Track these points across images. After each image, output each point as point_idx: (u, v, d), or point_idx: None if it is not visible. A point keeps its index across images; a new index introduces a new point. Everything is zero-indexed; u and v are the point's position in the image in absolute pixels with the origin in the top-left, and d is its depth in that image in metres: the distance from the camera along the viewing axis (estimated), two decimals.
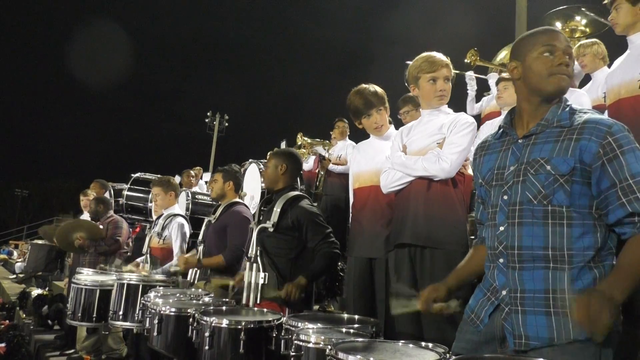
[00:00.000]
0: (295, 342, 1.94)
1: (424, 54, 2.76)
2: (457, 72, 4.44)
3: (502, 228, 1.64)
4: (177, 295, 3.10)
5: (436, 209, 2.53)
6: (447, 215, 2.51)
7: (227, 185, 4.00)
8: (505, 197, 1.65)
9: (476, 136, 2.74)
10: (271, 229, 3.01)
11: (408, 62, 2.84)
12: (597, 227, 1.57)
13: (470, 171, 2.62)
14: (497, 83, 4.29)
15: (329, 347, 1.70)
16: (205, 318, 2.33)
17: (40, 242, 9.72)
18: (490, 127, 3.94)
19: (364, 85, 3.09)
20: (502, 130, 1.79)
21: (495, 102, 4.23)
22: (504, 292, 1.62)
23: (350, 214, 3.19)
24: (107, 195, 6.63)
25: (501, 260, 1.64)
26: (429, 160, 2.56)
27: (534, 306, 1.55)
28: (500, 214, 1.66)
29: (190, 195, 5.84)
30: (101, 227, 5.58)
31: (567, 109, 1.66)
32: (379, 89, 3.06)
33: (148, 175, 7.17)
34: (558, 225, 1.55)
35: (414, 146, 2.71)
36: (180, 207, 5.78)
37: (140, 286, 3.46)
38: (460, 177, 2.61)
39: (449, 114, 2.72)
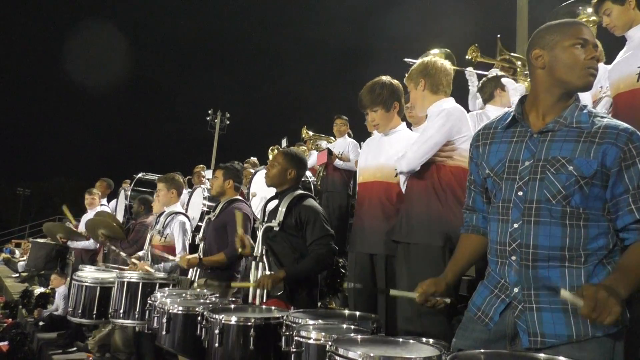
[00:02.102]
0: (296, 338, 1.94)
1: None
2: (457, 68, 4.43)
3: (516, 225, 1.61)
4: (183, 294, 3.11)
5: (414, 205, 2.65)
6: (422, 210, 2.60)
7: (227, 183, 3.98)
8: (520, 194, 1.62)
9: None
10: (277, 228, 3.01)
11: (406, 59, 2.86)
12: (610, 229, 1.58)
13: (453, 161, 2.63)
14: (483, 88, 4.16)
15: (329, 343, 1.70)
16: (214, 316, 2.34)
17: (40, 240, 9.71)
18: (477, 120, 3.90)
19: (374, 80, 3.08)
20: (511, 119, 1.74)
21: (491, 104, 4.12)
22: (516, 290, 1.60)
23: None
24: (126, 193, 6.64)
25: (514, 257, 1.61)
26: (399, 157, 2.69)
27: (550, 303, 1.54)
28: (515, 210, 1.62)
29: (207, 191, 5.85)
30: (130, 227, 5.57)
31: (585, 110, 1.63)
32: (379, 88, 3.02)
33: (150, 176, 7.14)
34: (575, 227, 1.55)
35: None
36: (197, 203, 5.78)
37: (141, 284, 3.46)
38: (434, 167, 2.64)
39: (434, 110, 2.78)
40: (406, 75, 2.90)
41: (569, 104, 1.65)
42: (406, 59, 4.25)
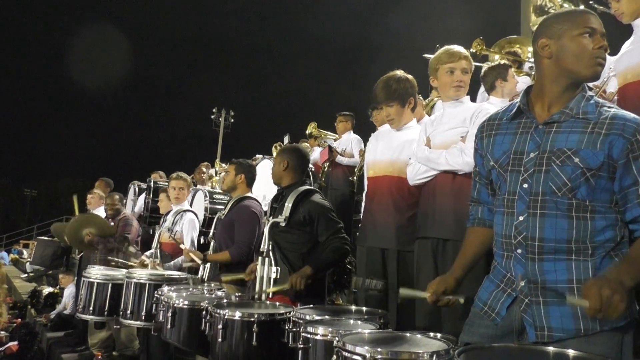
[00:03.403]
0: (303, 334, 1.94)
1: (446, 46, 2.78)
2: None
3: (521, 218, 1.59)
4: (190, 289, 3.12)
5: (462, 202, 2.54)
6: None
7: (239, 178, 3.92)
8: (526, 186, 1.59)
9: None
10: (283, 224, 3.02)
11: (426, 55, 2.86)
12: (618, 221, 1.55)
13: None
14: (486, 77, 4.10)
15: (337, 338, 1.70)
16: (218, 310, 2.35)
17: (46, 238, 9.76)
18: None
19: (389, 74, 3.06)
20: (516, 110, 1.71)
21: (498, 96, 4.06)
22: (522, 283, 1.58)
23: (363, 203, 3.20)
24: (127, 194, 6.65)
25: (519, 250, 1.59)
26: (453, 154, 2.60)
27: (557, 297, 1.51)
28: (520, 203, 1.60)
29: (208, 195, 5.78)
30: (112, 224, 5.59)
31: (592, 100, 1.60)
32: (395, 83, 2.99)
33: (160, 182, 7.05)
34: (582, 219, 1.52)
35: (438, 139, 2.74)
36: (198, 206, 5.78)
37: (148, 285, 3.43)
38: None
39: (471, 107, 2.73)
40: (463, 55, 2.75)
41: (576, 95, 1.62)
42: (426, 55, 4.20)
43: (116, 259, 4.83)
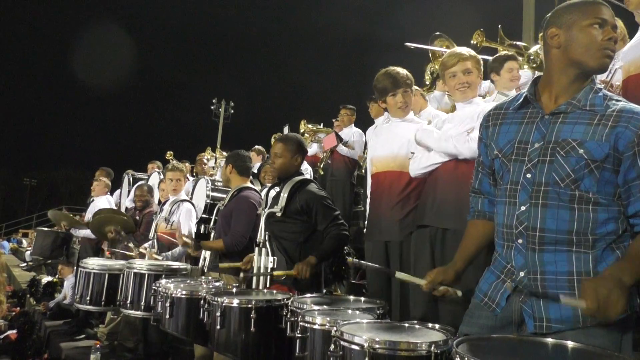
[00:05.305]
0: (301, 323, 1.93)
1: (451, 49, 2.86)
2: None
3: (523, 208, 1.58)
4: (188, 280, 3.14)
5: (464, 192, 2.56)
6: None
7: (228, 169, 3.91)
8: (529, 176, 1.58)
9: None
10: (279, 214, 3.02)
11: (408, 44, 2.91)
12: (621, 214, 1.54)
13: None
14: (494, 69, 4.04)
15: (335, 328, 1.69)
16: (216, 298, 2.36)
17: (45, 229, 9.75)
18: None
19: (393, 67, 3.12)
20: (523, 99, 1.69)
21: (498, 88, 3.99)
22: (521, 274, 1.57)
23: (368, 200, 3.26)
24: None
25: (520, 240, 1.58)
26: (459, 140, 2.63)
27: (556, 288, 1.51)
28: (523, 192, 1.59)
29: (210, 182, 5.77)
30: (137, 218, 5.48)
31: (600, 93, 1.59)
32: (405, 73, 3.10)
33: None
34: (584, 210, 1.52)
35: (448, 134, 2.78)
36: (200, 194, 5.76)
37: (148, 275, 3.43)
38: None
39: (480, 103, 2.75)
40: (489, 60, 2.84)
41: (584, 86, 1.60)
42: (408, 44, 4.24)
43: (116, 251, 4.83)
